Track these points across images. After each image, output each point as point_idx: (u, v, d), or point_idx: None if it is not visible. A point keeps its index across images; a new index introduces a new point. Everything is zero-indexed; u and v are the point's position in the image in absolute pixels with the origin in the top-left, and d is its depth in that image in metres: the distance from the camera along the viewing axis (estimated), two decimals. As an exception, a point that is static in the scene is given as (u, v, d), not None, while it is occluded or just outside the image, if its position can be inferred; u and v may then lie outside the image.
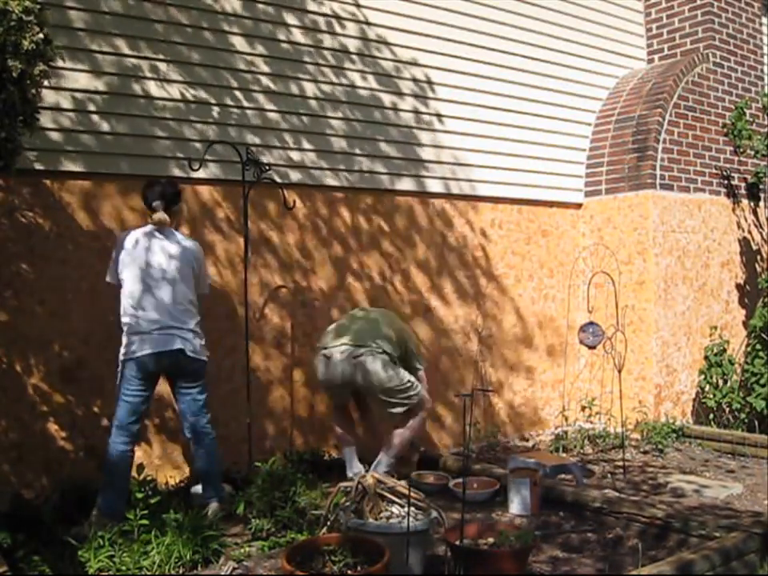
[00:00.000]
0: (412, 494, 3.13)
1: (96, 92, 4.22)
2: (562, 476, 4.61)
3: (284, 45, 4.88)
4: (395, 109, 5.36)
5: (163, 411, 4.39)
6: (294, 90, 4.91)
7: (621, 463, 4.87)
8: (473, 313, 5.74)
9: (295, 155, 4.90)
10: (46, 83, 3.30)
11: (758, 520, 3.60)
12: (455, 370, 5.64)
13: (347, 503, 3.17)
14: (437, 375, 5.50)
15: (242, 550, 3.38)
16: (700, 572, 2.93)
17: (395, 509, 3.18)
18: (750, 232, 6.78)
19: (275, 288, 4.84)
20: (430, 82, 5.53)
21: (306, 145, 4.95)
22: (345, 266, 5.14)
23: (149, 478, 3.55)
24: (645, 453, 5.46)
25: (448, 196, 5.63)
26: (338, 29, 5.10)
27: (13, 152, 3.26)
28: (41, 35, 3.06)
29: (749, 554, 3.13)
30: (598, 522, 3.85)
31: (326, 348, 4.42)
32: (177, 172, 4.44)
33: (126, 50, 4.31)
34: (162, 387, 4.38)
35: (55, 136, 4.10)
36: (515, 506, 4.05)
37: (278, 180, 4.76)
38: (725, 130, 6.52)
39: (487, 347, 5.80)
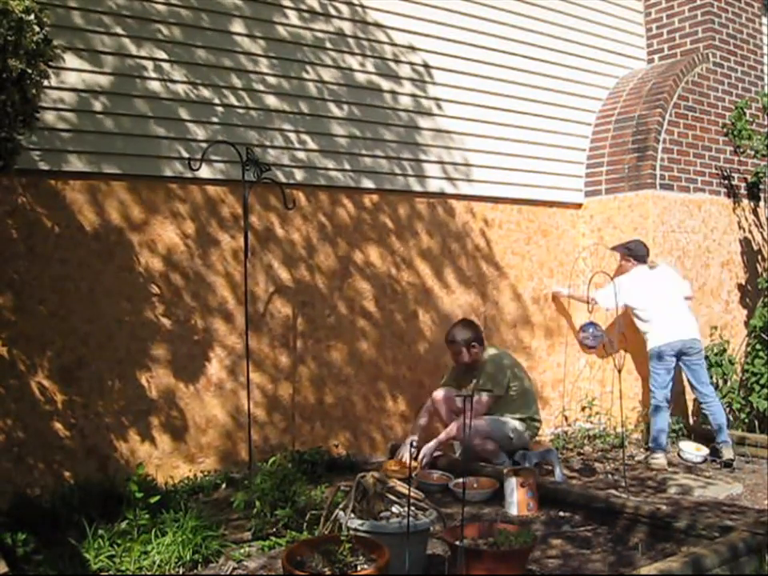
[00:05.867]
0: (412, 493, 3.13)
1: (99, 91, 4.22)
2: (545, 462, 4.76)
3: (289, 45, 4.89)
4: (397, 109, 5.36)
5: (167, 410, 4.40)
6: (299, 89, 4.92)
7: (621, 462, 4.87)
8: (472, 312, 5.74)
9: (299, 153, 4.92)
10: (46, 83, 3.30)
11: (760, 519, 3.61)
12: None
13: (347, 503, 3.17)
14: (436, 373, 5.50)
15: (242, 550, 3.38)
16: (709, 567, 2.93)
17: (395, 508, 3.18)
18: (750, 232, 6.78)
19: (279, 285, 4.85)
20: (431, 83, 5.53)
21: (310, 144, 4.96)
22: (349, 262, 5.15)
23: (149, 477, 3.55)
24: (646, 452, 5.46)
25: (448, 195, 5.63)
26: (346, 31, 5.12)
27: (12, 152, 3.26)
28: (41, 35, 3.06)
29: (756, 551, 3.14)
30: (601, 519, 3.84)
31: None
32: (180, 171, 4.46)
33: (130, 49, 4.32)
34: (164, 383, 4.39)
35: (58, 135, 4.10)
36: (511, 506, 4.05)
37: (281, 179, 4.76)
38: (725, 129, 6.52)
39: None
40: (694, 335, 5.39)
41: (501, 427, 4.82)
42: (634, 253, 5.60)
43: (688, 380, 5.47)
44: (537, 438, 5.19)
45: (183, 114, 4.50)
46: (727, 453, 5.14)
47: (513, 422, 4.84)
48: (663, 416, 5.25)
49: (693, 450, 5.34)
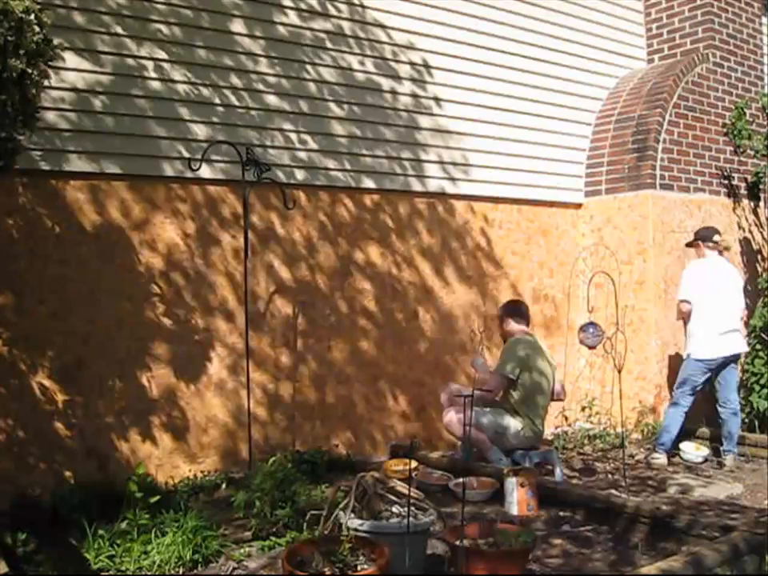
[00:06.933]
0: (412, 493, 3.13)
1: (99, 91, 4.22)
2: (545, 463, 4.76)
3: (289, 44, 4.89)
4: (398, 108, 5.36)
5: (167, 409, 4.39)
6: (299, 88, 4.92)
7: (621, 462, 4.86)
8: (473, 312, 5.75)
9: (299, 153, 4.92)
10: (46, 82, 3.30)
11: (760, 519, 3.61)
12: (458, 366, 5.65)
13: (347, 503, 3.17)
14: (437, 372, 5.50)
15: (242, 550, 3.38)
16: (710, 566, 2.93)
17: (395, 508, 3.17)
18: (750, 232, 6.77)
19: (279, 284, 4.84)
20: (431, 82, 5.53)
21: (310, 143, 4.96)
22: (349, 261, 5.15)
23: (149, 477, 3.55)
24: (646, 452, 5.46)
25: (448, 195, 5.63)
26: (347, 31, 5.12)
27: (12, 152, 3.25)
28: (41, 35, 3.06)
29: (757, 551, 3.14)
30: (602, 519, 3.82)
31: None
32: (181, 170, 4.45)
33: (130, 48, 4.32)
34: (164, 383, 4.39)
35: (58, 135, 4.10)
36: (511, 506, 4.05)
37: (282, 179, 4.76)
38: (725, 129, 6.52)
39: (488, 348, 5.80)
40: (743, 348, 5.39)
41: (492, 418, 4.79)
42: (699, 235, 5.45)
43: (715, 380, 5.37)
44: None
45: (184, 113, 4.49)
46: (730, 463, 5.14)
47: (509, 419, 4.81)
48: (678, 417, 5.19)
49: (693, 450, 5.34)
